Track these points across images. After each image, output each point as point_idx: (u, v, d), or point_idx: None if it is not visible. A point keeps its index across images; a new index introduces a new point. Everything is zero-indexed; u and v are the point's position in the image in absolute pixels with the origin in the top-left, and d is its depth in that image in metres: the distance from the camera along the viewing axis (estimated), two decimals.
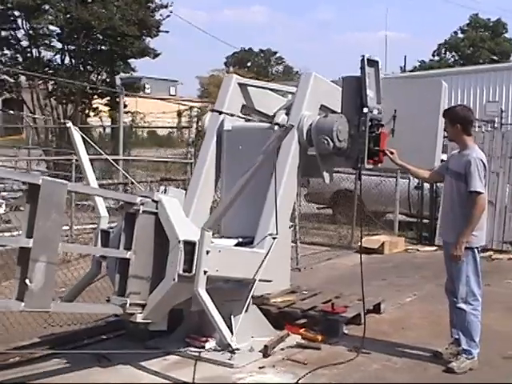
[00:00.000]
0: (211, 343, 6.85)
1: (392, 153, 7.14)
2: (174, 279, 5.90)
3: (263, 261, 6.60)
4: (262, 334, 7.10)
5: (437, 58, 68.35)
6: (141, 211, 5.97)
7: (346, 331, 7.78)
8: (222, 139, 7.66)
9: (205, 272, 5.95)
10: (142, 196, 6.11)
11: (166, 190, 6.45)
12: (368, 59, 7.11)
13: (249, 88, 8.14)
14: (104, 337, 7.36)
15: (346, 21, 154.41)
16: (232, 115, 7.49)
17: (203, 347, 6.81)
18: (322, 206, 17.99)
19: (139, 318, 5.99)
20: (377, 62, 7.27)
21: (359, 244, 13.63)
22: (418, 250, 14.04)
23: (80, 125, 25.39)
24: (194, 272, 5.92)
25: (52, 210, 5.20)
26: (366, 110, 7.04)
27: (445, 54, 68.60)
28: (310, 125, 7.14)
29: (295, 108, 7.36)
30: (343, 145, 7.07)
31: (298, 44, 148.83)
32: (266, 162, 6.58)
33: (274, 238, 6.75)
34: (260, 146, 6.71)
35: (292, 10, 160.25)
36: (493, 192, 13.79)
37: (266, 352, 6.82)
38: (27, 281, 5.00)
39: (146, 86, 69.48)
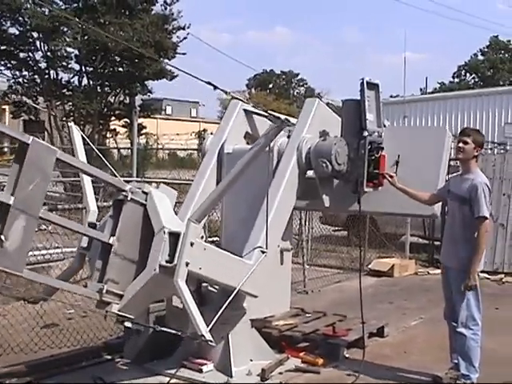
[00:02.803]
0: (209, 366, 6.82)
1: (391, 176, 7.11)
2: (154, 269, 5.70)
3: (250, 272, 6.41)
4: (261, 358, 7.04)
5: (457, 79, 68.21)
6: (129, 198, 5.80)
7: (347, 355, 7.73)
8: (223, 162, 7.64)
9: (187, 264, 5.74)
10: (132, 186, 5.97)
11: (158, 187, 6.26)
12: (368, 82, 7.12)
13: (254, 116, 8.12)
14: (102, 359, 7.37)
15: (369, 42, 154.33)
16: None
17: (201, 370, 6.78)
18: (336, 228, 17.90)
19: (115, 309, 5.73)
20: (377, 84, 7.27)
21: (369, 267, 13.63)
22: (429, 273, 13.96)
23: (97, 146, 25.71)
24: (175, 262, 5.73)
25: (37, 173, 5.04)
26: (365, 133, 7.05)
27: (465, 75, 68.42)
28: (309, 148, 7.13)
29: (297, 130, 7.35)
30: (342, 168, 7.05)
31: (319, 65, 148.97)
32: (265, 184, 6.61)
33: (263, 252, 6.64)
34: (260, 168, 6.73)
35: (314, 31, 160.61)
36: (504, 214, 13.79)
37: (263, 376, 6.77)
38: (2, 237, 4.83)
39: (167, 107, 70.21)
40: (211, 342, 5.72)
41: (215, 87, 6.19)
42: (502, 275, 13.31)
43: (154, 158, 39.44)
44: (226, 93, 7.04)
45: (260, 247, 6.67)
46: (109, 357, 7.44)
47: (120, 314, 5.82)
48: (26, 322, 8.25)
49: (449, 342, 7.03)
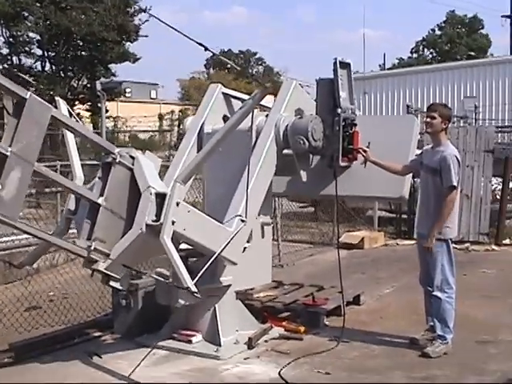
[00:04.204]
0: (198, 337, 7.14)
1: (365, 151, 7.44)
2: (141, 228, 5.93)
3: (230, 238, 6.63)
4: (246, 328, 7.38)
5: (415, 55, 68.91)
6: (117, 160, 6.02)
7: (326, 322, 8.09)
8: (203, 142, 7.89)
9: (173, 222, 5.99)
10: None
11: (144, 153, 6.47)
12: (340, 62, 7.44)
13: (232, 100, 8.38)
14: (93, 335, 7.63)
15: (325, 20, 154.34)
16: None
17: (190, 341, 7.10)
18: (303, 204, 18.24)
19: (101, 267, 5.95)
20: (349, 64, 7.59)
21: (339, 240, 13.99)
22: (397, 244, 14.46)
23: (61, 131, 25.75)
24: (161, 221, 5.97)
25: (33, 127, 5.26)
26: (339, 110, 7.38)
27: (423, 51, 69.16)
28: (287, 125, 7.41)
29: (274, 109, 7.61)
30: (318, 144, 7.36)
31: (278, 44, 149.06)
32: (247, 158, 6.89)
33: (243, 221, 6.87)
34: (240, 148, 7.03)
35: (271, 10, 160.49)
36: (468, 186, 14.24)
37: (250, 344, 7.12)
38: None
39: (127, 90, 69.80)
40: (196, 293, 6.00)
41: (206, 48, 6.44)
42: (468, 244, 13.83)
43: (115, 141, 39.46)
44: (213, 54, 7.22)
45: (240, 216, 6.93)
46: (99, 333, 7.70)
47: (106, 272, 6.04)
48: (11, 303, 8.41)
49: (424, 306, 7.40)
